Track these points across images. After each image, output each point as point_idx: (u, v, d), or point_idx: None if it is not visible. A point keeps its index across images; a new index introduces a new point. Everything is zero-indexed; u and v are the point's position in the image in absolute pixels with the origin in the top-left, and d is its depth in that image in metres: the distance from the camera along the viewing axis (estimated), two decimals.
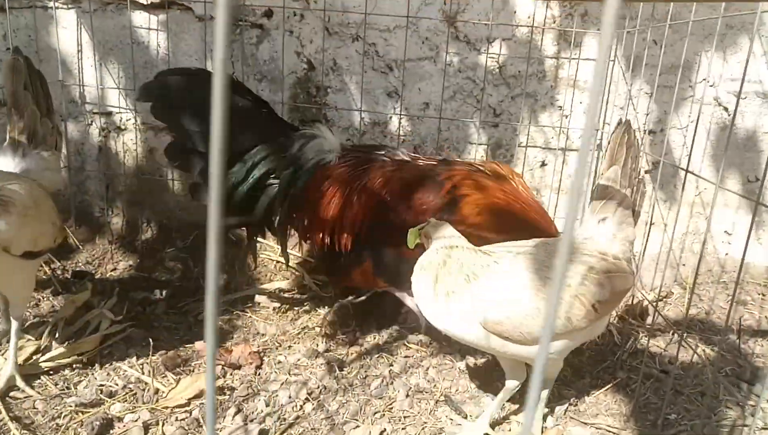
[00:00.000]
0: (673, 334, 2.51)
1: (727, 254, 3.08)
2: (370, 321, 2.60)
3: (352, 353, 2.36)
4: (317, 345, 2.41)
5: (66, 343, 2.18)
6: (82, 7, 2.93)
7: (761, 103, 2.87)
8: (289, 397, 2.05)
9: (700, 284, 3.03)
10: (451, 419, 2.01)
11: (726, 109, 2.88)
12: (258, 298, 2.77)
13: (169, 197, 3.15)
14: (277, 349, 2.38)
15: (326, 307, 2.69)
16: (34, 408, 1.89)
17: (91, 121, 3.14)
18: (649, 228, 2.72)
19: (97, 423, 1.84)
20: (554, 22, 2.80)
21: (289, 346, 2.40)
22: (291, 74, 2.95)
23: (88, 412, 1.89)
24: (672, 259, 3.02)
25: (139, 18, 2.93)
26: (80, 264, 2.95)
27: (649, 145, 2.91)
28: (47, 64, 3.01)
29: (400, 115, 2.94)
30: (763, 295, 2.89)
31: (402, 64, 2.88)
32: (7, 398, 1.92)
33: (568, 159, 2.95)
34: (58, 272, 2.84)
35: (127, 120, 3.11)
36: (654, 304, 2.68)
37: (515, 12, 2.80)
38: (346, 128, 3.00)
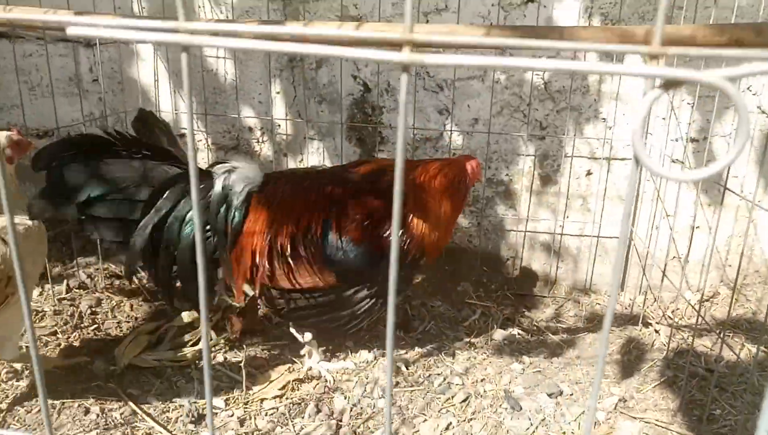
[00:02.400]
0: (717, 333, 2.64)
1: None
2: (426, 323, 2.81)
3: (415, 354, 2.57)
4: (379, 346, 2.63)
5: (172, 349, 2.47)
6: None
7: None
8: (363, 394, 2.28)
9: (747, 285, 3.13)
10: (511, 414, 2.20)
11: (764, 112, 2.98)
12: None
13: None
14: (344, 349, 2.61)
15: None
16: (147, 402, 2.17)
17: None
18: (693, 232, 2.85)
19: (195, 414, 2.11)
20: None
21: (357, 348, 2.63)
22: (348, 96, 3.18)
23: (189, 406, 2.16)
24: (718, 261, 3.13)
25: (209, 48, 3.21)
26: None
27: (692, 152, 3.03)
28: (129, 93, 3.33)
29: (451, 130, 3.14)
30: None
31: (452, 84, 3.07)
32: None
33: (612, 168, 3.10)
34: (144, 282, 3.14)
35: (198, 141, 3.39)
36: (697, 304, 2.81)
37: (557, 24, 2.96)
38: None
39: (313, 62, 3.17)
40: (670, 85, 0.45)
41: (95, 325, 2.63)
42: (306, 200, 2.30)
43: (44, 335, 2.51)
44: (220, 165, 2.33)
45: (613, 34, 1.49)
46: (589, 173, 3.14)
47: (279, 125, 3.28)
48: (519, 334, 2.82)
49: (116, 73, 3.31)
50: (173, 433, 2.05)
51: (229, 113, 3.29)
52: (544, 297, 3.20)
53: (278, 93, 3.23)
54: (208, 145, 3.36)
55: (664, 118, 2.95)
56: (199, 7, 3.12)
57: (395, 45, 0.48)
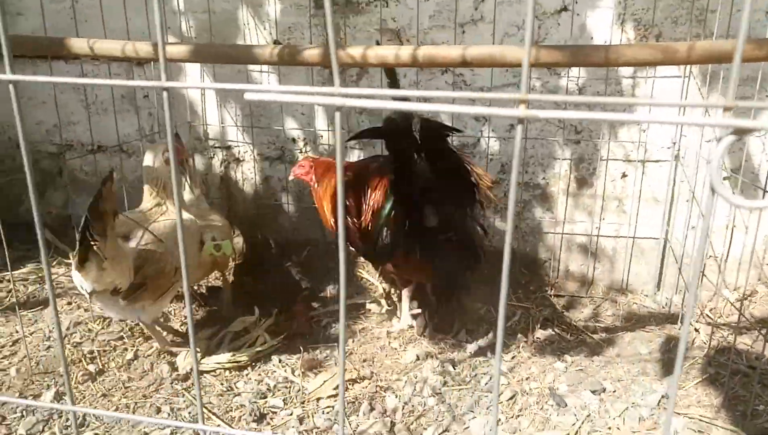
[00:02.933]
0: (758, 331, 2.69)
1: None
2: (469, 325, 2.91)
3: (461, 354, 2.68)
4: (425, 347, 2.74)
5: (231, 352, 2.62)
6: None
7: None
8: (413, 393, 2.40)
9: None
10: (556, 411, 2.30)
11: None
12: (368, 305, 3.14)
13: (284, 219, 3.57)
14: (394, 350, 2.73)
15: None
16: (210, 403, 2.32)
17: (213, 155, 3.60)
18: (732, 231, 2.91)
19: (257, 413, 2.24)
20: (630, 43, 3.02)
21: (404, 349, 2.74)
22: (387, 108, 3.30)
23: (250, 406, 2.30)
24: (755, 260, 3.17)
25: (254, 67, 3.36)
26: (210, 280, 3.40)
27: (728, 153, 3.08)
28: (176, 108, 3.49)
29: (489, 136, 3.23)
30: None
31: (489, 91, 3.17)
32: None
33: (647, 170, 3.16)
34: (195, 288, 3.29)
35: (244, 152, 3.54)
36: (738, 302, 2.86)
37: (592, 38, 3.04)
38: None
39: (354, 73, 3.29)
40: (740, 132, 0.55)
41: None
42: None
43: (112, 340, 2.67)
44: None
45: (655, 50, 1.58)
46: (624, 175, 3.20)
47: (321, 136, 3.41)
48: (559, 333, 2.91)
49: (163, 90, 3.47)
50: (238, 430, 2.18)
51: (273, 125, 3.43)
52: (582, 297, 3.27)
53: (320, 105, 3.36)
54: (254, 157, 3.51)
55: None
56: (245, 24, 3.26)
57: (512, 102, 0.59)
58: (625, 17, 2.99)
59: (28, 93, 3.66)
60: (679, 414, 2.26)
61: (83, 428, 2.15)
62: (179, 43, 1.94)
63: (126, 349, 2.62)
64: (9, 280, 3.14)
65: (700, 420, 2.21)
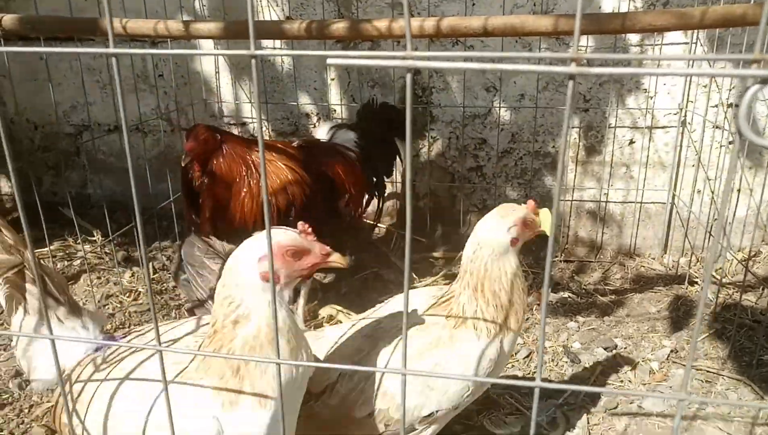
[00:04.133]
0: (762, 289, 2.80)
1: None
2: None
3: None
4: None
5: None
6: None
7: None
8: None
9: None
10: (571, 367, 2.41)
11: None
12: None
13: None
14: None
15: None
16: None
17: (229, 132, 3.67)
18: (738, 194, 3.00)
19: None
20: (637, 11, 3.08)
21: None
22: (399, 79, 3.37)
23: None
24: (760, 222, 3.27)
25: (266, 40, 3.41)
26: None
27: (733, 117, 3.16)
28: (191, 86, 3.56)
29: (499, 107, 3.30)
30: None
31: (500, 62, 3.23)
32: None
33: (654, 136, 3.24)
34: None
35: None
36: (744, 262, 2.96)
37: (600, 6, 3.09)
38: (449, 122, 3.40)
39: (366, 48, 3.35)
40: (765, 81, 0.64)
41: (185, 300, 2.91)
42: None
43: (142, 311, 2.78)
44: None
45: (671, 16, 1.66)
46: (631, 142, 3.29)
47: (334, 110, 3.48)
48: (570, 296, 3.02)
49: (180, 68, 3.54)
50: None
51: (287, 101, 3.50)
52: (591, 262, 3.38)
53: (333, 80, 3.43)
54: (269, 132, 3.59)
55: (705, 86, 3.08)
56: (257, 1, 3.31)
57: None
58: None
59: (44, 75, 3.72)
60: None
61: None
62: (209, 21, 2.01)
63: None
64: (41, 257, 3.25)
65: (708, 371, 2.33)
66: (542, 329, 0.79)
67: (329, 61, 0.71)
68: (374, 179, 3.01)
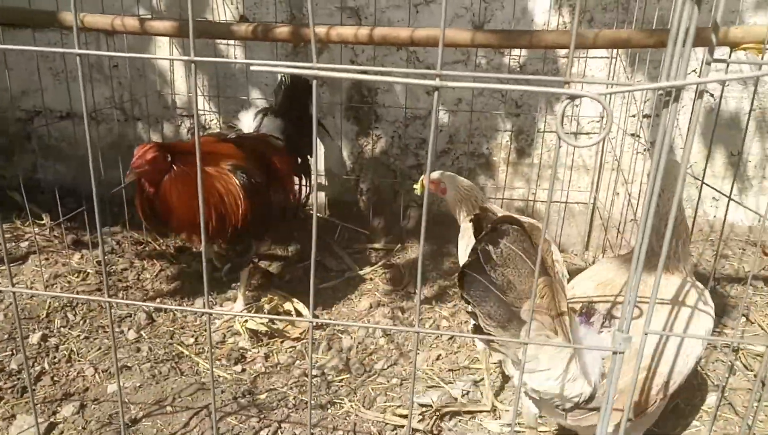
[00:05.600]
0: None
1: (714, 217, 3.66)
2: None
3: (408, 304, 3.02)
4: (378, 296, 3.07)
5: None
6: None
7: (742, 89, 3.42)
8: (365, 335, 2.72)
9: (692, 242, 3.62)
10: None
11: (712, 95, 3.43)
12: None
13: None
14: (349, 301, 3.04)
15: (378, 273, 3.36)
16: (182, 342, 2.59)
17: (181, 123, 3.80)
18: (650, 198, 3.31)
19: (235, 354, 2.53)
20: (566, 27, 3.37)
21: (359, 300, 3.06)
22: (347, 80, 3.57)
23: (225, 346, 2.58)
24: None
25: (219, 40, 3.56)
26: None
27: (647, 127, 3.49)
28: (146, 78, 3.67)
29: (437, 109, 3.54)
30: (743, 250, 3.48)
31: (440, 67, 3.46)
32: None
33: (578, 141, 3.53)
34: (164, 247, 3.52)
35: (210, 120, 3.76)
36: None
37: (533, 20, 3.36)
38: (392, 122, 3.62)
39: (316, 49, 3.53)
40: (572, 98, 0.87)
41: (133, 283, 3.03)
42: None
43: (90, 290, 2.90)
44: None
45: (569, 36, 1.91)
46: (558, 146, 3.56)
47: None
48: None
49: (135, 60, 3.64)
50: None
51: (239, 95, 3.65)
52: None
53: (283, 77, 3.60)
54: (219, 124, 3.73)
55: (623, 98, 3.39)
56: None
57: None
58: (562, 2, 3.32)
59: None
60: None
61: (70, 362, 2.40)
62: (164, 19, 2.15)
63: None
64: None
65: None
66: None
67: (253, 68, 0.90)
68: (299, 160, 3.22)
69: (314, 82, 0.93)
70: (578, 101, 3.46)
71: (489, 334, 1.47)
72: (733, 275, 3.25)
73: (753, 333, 2.74)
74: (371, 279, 3.27)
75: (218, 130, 3.56)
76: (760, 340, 2.66)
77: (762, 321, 2.81)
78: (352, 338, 2.71)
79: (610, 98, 3.41)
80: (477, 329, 1.52)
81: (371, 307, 2.99)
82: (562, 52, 3.40)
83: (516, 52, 3.42)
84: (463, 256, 2.41)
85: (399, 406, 2.25)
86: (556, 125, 0.89)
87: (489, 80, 0.97)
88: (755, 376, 2.41)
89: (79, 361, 2.42)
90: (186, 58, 0.97)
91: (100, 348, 2.51)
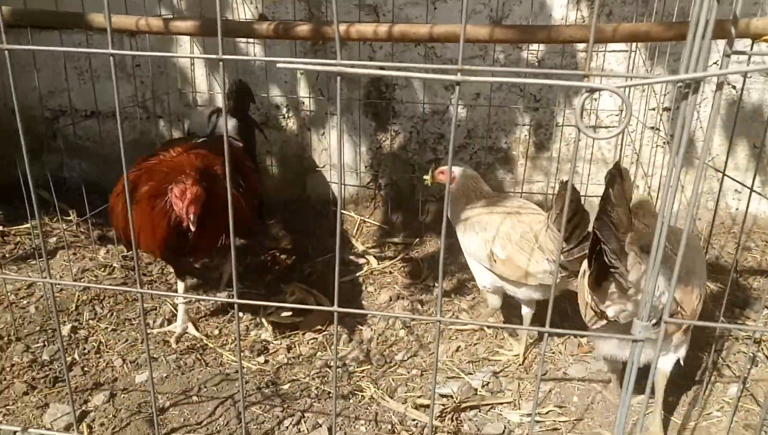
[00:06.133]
0: None
1: (737, 209, 3.63)
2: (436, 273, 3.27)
3: (428, 297, 3.05)
4: (397, 289, 3.10)
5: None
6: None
7: (764, 81, 3.39)
8: (386, 326, 2.76)
9: (714, 235, 3.60)
10: (510, 341, 2.68)
11: (734, 87, 3.41)
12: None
13: (267, 180, 3.87)
14: (369, 294, 3.08)
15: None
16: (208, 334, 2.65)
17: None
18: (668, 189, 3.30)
19: (258, 346, 2.58)
20: (584, 21, 3.36)
21: (378, 293, 3.09)
22: (366, 76, 3.59)
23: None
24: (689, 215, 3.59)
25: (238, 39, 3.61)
26: None
27: (667, 120, 3.47)
28: (167, 76, 3.74)
29: (456, 104, 3.55)
30: (767, 242, 3.46)
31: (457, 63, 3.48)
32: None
33: (597, 134, 3.52)
34: None
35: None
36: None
37: (551, 15, 3.36)
38: (410, 117, 3.65)
39: (334, 45, 3.57)
40: (592, 91, 0.89)
41: (157, 277, 3.10)
42: None
43: (117, 284, 2.97)
44: None
45: (587, 30, 1.92)
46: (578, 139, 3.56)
47: (303, 102, 3.70)
48: None
49: (157, 59, 3.71)
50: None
51: (258, 92, 3.70)
52: None
53: (302, 74, 3.65)
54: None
55: (642, 91, 3.38)
56: None
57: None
58: None
59: (22, 61, 3.86)
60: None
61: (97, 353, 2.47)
62: (187, 18, 2.20)
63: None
64: (15, 235, 3.41)
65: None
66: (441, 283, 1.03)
67: (279, 65, 0.94)
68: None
69: (338, 79, 0.97)
70: (597, 95, 3.45)
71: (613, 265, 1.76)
72: (755, 267, 3.23)
73: None
74: (390, 272, 3.30)
75: (179, 136, 3.54)
76: None
77: None
78: (372, 330, 2.75)
79: (630, 91, 3.41)
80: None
81: (391, 299, 3.02)
82: (581, 46, 3.40)
83: (534, 47, 3.43)
84: (480, 247, 2.45)
85: (420, 396, 2.28)
86: (576, 118, 0.92)
87: (508, 74, 0.99)
88: None
89: (107, 352, 2.49)
90: (214, 56, 1.01)
91: (127, 340, 2.57)
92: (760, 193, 3.04)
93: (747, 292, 3.00)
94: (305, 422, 2.12)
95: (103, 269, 3.09)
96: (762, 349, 2.53)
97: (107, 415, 2.12)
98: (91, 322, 2.69)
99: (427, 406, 2.22)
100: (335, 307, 1.16)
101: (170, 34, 2.12)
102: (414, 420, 2.16)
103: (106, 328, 2.65)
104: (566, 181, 2.19)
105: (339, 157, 1.17)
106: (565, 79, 0.98)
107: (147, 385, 2.28)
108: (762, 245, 3.45)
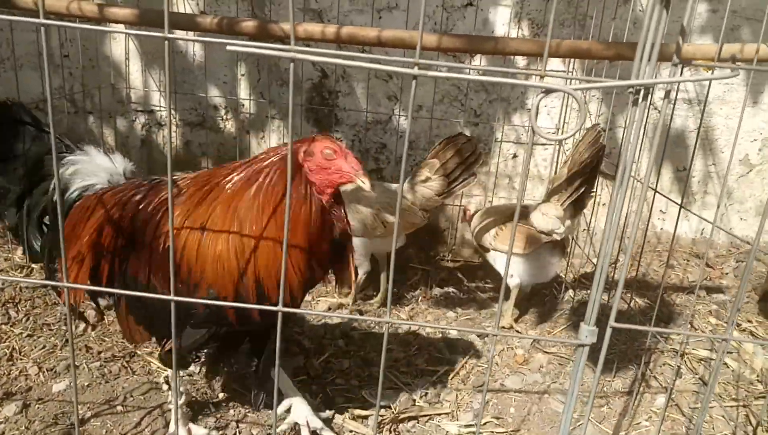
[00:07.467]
0: (611, 290, 3.22)
1: (661, 229, 3.81)
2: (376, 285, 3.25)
3: (369, 306, 3.01)
4: (337, 300, 3.05)
5: None
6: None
7: (687, 108, 3.58)
8: (324, 334, 2.70)
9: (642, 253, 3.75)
10: (448, 350, 2.68)
11: (658, 110, 3.58)
12: None
13: None
14: (307, 302, 3.02)
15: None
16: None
17: (135, 118, 3.70)
18: (598, 207, 3.42)
19: None
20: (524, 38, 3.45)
21: (316, 303, 3.03)
22: (308, 81, 3.55)
23: None
24: (618, 233, 3.73)
25: (179, 31, 3.49)
26: None
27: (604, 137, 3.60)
28: (100, 69, 3.56)
29: (399, 115, 3.57)
30: (688, 260, 3.64)
31: (400, 74, 3.50)
32: None
33: (534, 152, 3.62)
34: None
35: (166, 116, 3.67)
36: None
37: (493, 31, 3.44)
38: (353, 126, 3.62)
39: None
40: (548, 92, 0.89)
41: None
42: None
43: (32, 286, 2.77)
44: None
45: (533, 44, 1.96)
46: (515, 156, 3.65)
47: (243, 105, 3.61)
48: (453, 291, 3.32)
49: (88, 51, 3.53)
50: None
51: (197, 92, 3.58)
52: (475, 263, 3.70)
53: (243, 75, 3.56)
54: (176, 122, 3.65)
55: (577, 110, 3.50)
56: None
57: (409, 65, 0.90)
58: (522, 16, 3.41)
59: None
60: (546, 353, 2.71)
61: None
62: (124, 6, 2.08)
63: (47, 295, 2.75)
64: None
65: (562, 357, 2.68)
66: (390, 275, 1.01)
67: (229, 47, 0.89)
68: None
69: (291, 65, 0.93)
70: (534, 111, 3.54)
71: None
72: (678, 284, 3.38)
73: (697, 338, 2.85)
74: (329, 282, 3.24)
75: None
76: (703, 344, 2.78)
77: (705, 327, 2.93)
78: (310, 340, 2.68)
79: (585, 94, 3.52)
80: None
81: (330, 309, 2.97)
82: (521, 63, 3.49)
83: (476, 62, 3.49)
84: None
85: (358, 407, 2.23)
86: (531, 118, 0.92)
87: (465, 72, 0.98)
88: (700, 379, 2.51)
89: (21, 359, 2.31)
90: (160, 34, 0.95)
91: (44, 346, 2.40)
92: (690, 211, 3.19)
93: (671, 308, 3.13)
94: (240, 433, 2.03)
95: (19, 270, 2.88)
96: (685, 361, 2.64)
97: (19, 427, 1.96)
98: (3, 326, 2.49)
99: (366, 417, 2.18)
100: (280, 307, 1.11)
101: (105, 21, 2.00)
102: (352, 432, 2.11)
103: (21, 333, 2.46)
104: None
105: (289, 150, 1.13)
106: (522, 78, 0.97)
107: (65, 395, 2.12)
108: (684, 263, 3.63)
